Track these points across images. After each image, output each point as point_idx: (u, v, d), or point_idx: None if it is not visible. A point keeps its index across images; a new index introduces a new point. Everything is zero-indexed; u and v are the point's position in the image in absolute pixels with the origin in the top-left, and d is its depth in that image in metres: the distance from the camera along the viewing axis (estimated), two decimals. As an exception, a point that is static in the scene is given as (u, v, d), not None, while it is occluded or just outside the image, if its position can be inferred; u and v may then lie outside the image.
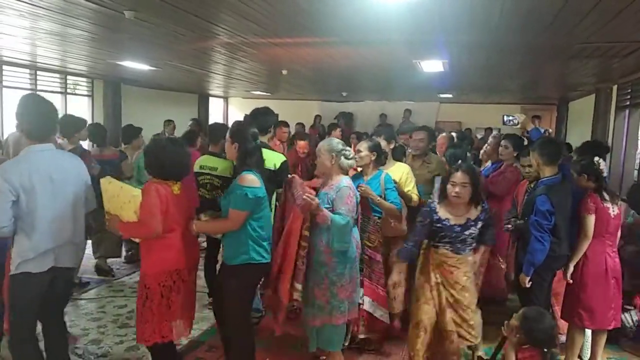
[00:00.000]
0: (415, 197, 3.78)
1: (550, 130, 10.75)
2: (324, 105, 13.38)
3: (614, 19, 3.53)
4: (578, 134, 9.00)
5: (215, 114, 13.52)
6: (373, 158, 3.68)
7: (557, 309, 3.53)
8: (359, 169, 3.79)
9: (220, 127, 4.34)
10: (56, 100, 8.63)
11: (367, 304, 3.50)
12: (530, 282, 3.20)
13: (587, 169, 3.23)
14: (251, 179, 2.80)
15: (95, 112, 9.21)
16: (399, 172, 3.83)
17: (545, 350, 2.65)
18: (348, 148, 3.12)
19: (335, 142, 3.13)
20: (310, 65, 6.51)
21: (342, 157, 3.04)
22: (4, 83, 7.49)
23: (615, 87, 6.94)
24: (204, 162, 3.96)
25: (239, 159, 2.94)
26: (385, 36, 4.43)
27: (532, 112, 11.49)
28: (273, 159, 3.60)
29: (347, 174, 3.15)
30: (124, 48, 5.74)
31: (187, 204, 2.90)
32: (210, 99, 13.27)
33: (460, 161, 3.59)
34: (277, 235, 3.08)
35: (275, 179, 3.41)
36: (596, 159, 3.26)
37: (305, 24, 4.10)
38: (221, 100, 14.24)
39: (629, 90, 6.50)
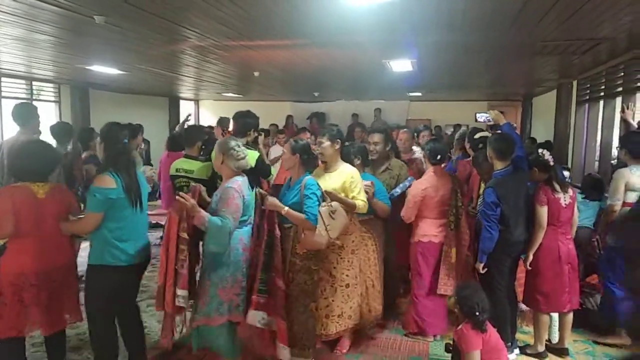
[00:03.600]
0: (360, 203, 3.35)
1: (515, 125, 11.12)
2: (296, 105, 13.44)
3: (571, 18, 3.71)
4: (542, 128, 9.32)
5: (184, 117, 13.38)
6: (337, 147, 3.45)
7: (520, 292, 3.74)
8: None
9: (196, 130, 4.37)
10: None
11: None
12: (487, 269, 3.40)
13: (535, 163, 3.52)
14: (103, 180, 2.80)
15: (62, 118, 9.01)
16: (342, 176, 3.40)
17: (480, 318, 2.79)
18: (239, 148, 3.04)
19: (227, 141, 3.08)
20: (282, 66, 6.56)
21: (232, 157, 3.00)
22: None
23: (575, 83, 7.23)
24: (179, 164, 3.98)
25: (104, 159, 3.00)
26: (354, 37, 4.52)
27: (498, 108, 11.79)
28: (252, 158, 3.66)
29: (239, 174, 3.06)
30: (92, 52, 5.67)
31: (55, 207, 2.87)
32: (181, 101, 13.15)
33: (440, 157, 3.69)
34: (255, 232, 3.12)
35: (254, 177, 3.48)
36: (540, 150, 3.51)
37: (276, 27, 4.16)
38: (192, 103, 14.12)
39: (588, 85, 6.79)
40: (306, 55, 5.67)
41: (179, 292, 2.87)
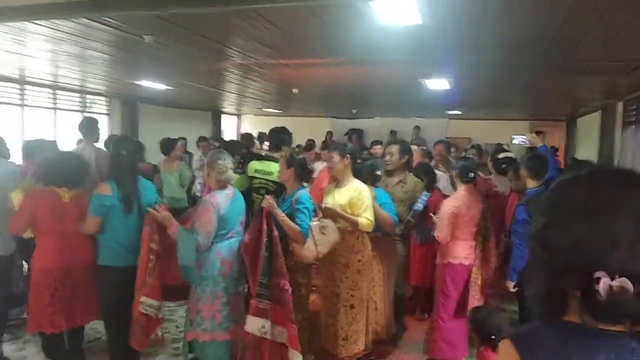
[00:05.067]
0: (364, 221, 3.26)
1: (557, 146, 10.81)
2: (334, 122, 13.59)
3: (613, 39, 3.65)
4: (586, 150, 9.04)
5: (228, 131, 13.80)
6: (347, 163, 3.41)
7: None
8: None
9: (234, 144, 4.57)
10: (76, 119, 8.96)
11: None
12: (518, 288, 3.37)
13: None
14: (101, 188, 3.06)
15: (112, 130, 9.49)
16: (350, 192, 3.34)
17: (497, 341, 2.74)
18: (223, 162, 3.10)
19: (213, 155, 3.16)
20: (319, 83, 6.71)
21: (216, 170, 3.08)
22: (26, 102, 7.82)
23: (621, 104, 7.01)
24: (259, 166, 4.07)
25: (109, 169, 3.24)
26: (388, 56, 4.59)
27: (541, 127, 11.57)
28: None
29: (224, 187, 3.13)
30: (141, 69, 6.00)
31: (77, 210, 3.14)
32: (223, 116, 13.56)
33: (472, 174, 3.67)
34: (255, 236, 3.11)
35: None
36: None
37: (314, 46, 4.30)
38: (234, 117, 14.52)
39: (635, 107, 6.57)
40: (342, 73, 5.79)
41: (143, 299, 2.98)
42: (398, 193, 3.94)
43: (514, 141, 4.64)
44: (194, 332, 3.04)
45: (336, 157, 3.41)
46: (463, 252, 3.61)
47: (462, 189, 3.67)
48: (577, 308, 0.86)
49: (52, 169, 3.20)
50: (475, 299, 3.54)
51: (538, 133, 11.20)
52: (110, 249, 3.09)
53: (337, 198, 3.35)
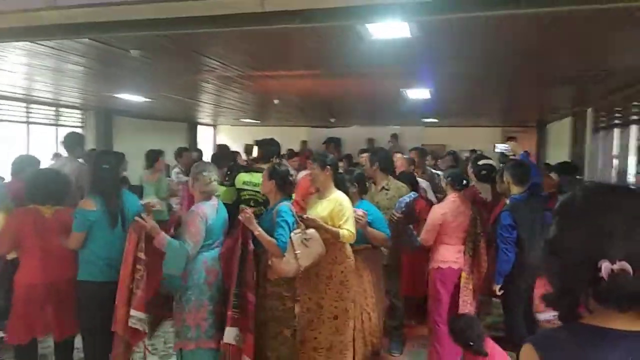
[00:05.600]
0: (345, 232, 3.22)
1: (529, 151, 11.17)
2: (312, 131, 13.65)
3: (584, 52, 3.85)
4: (557, 155, 9.36)
5: (204, 142, 13.69)
6: (327, 174, 3.40)
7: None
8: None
9: (222, 156, 4.56)
10: (49, 132, 8.75)
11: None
12: (504, 292, 3.49)
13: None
14: (85, 203, 3.08)
15: (87, 143, 9.29)
16: (331, 203, 3.32)
17: (475, 347, 2.87)
18: (208, 173, 3.11)
19: (197, 166, 3.18)
20: (302, 94, 6.77)
21: (200, 182, 3.09)
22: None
23: (589, 110, 7.31)
24: (247, 178, 4.08)
25: (90, 183, 3.22)
26: (375, 68, 4.70)
27: (513, 134, 11.93)
28: None
29: (208, 198, 3.13)
30: (121, 82, 5.93)
31: (59, 226, 3.16)
32: (199, 127, 13.45)
33: (465, 182, 3.76)
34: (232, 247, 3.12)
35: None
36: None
37: (301, 59, 4.36)
38: (210, 128, 14.42)
39: (604, 113, 6.88)
40: (326, 84, 5.87)
41: (133, 312, 2.89)
42: (382, 200, 3.96)
43: (497, 149, 4.92)
44: (180, 342, 3.05)
45: (317, 168, 3.38)
46: (452, 256, 3.71)
47: (451, 197, 3.77)
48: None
49: (33, 186, 3.22)
50: (467, 304, 3.63)
51: (510, 139, 11.61)
52: (91, 264, 3.07)
53: (319, 210, 3.35)
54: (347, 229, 3.24)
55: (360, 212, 3.40)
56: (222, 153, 4.82)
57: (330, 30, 3.35)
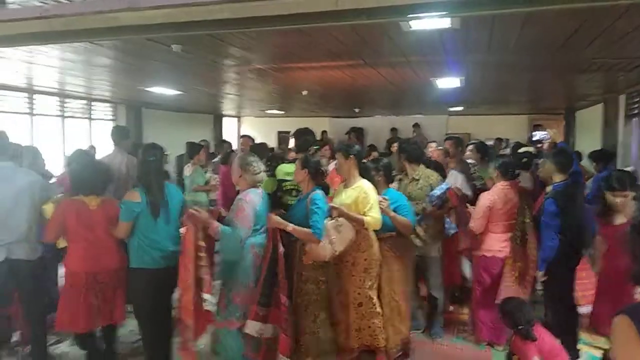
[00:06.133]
0: (369, 219, 3.30)
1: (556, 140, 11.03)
2: (333, 121, 13.69)
3: (620, 40, 3.82)
4: (586, 143, 9.25)
5: (228, 133, 13.87)
6: (352, 163, 3.49)
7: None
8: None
9: (261, 147, 4.68)
10: (83, 125, 9.00)
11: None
12: (547, 279, 3.51)
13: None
14: (131, 195, 3.21)
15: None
16: (356, 191, 3.41)
17: (524, 330, 2.97)
18: (256, 164, 3.25)
19: (246, 157, 3.30)
20: (331, 85, 6.82)
21: (249, 172, 3.22)
22: (35, 111, 7.85)
23: (623, 97, 7.21)
24: (289, 169, 4.16)
25: (137, 175, 3.36)
26: (410, 58, 4.73)
27: (539, 121, 11.80)
28: None
29: (255, 187, 3.25)
30: (156, 76, 6.07)
31: (104, 217, 3.29)
32: (224, 118, 13.63)
33: (515, 172, 3.77)
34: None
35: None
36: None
37: (336, 51, 4.40)
38: (234, 119, 14.58)
39: (638, 99, 6.78)
40: (357, 75, 5.90)
41: (206, 296, 3.06)
42: (414, 191, 3.99)
43: (535, 137, 4.96)
44: (225, 321, 3.17)
45: (341, 158, 3.48)
46: (497, 245, 3.75)
47: (500, 184, 3.81)
48: None
49: (78, 178, 3.38)
50: (510, 290, 3.69)
51: (537, 126, 11.49)
52: (142, 251, 3.20)
53: (344, 198, 3.43)
54: (372, 216, 3.31)
55: (381, 198, 3.47)
56: (261, 144, 4.94)
57: (372, 24, 3.41)
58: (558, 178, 3.58)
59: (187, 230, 3.10)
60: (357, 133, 13.19)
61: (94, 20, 1.99)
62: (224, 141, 6.99)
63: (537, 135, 4.76)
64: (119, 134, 4.76)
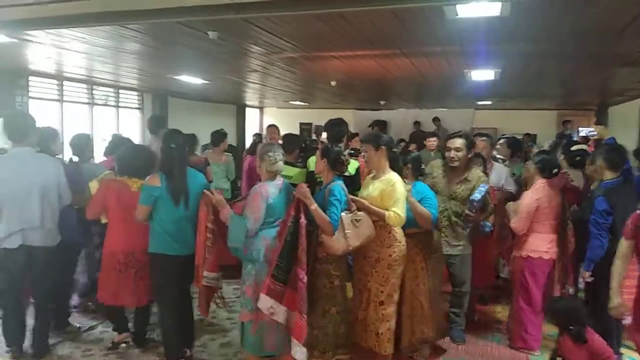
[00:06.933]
0: (390, 214, 3.13)
1: (587, 136, 10.75)
2: (357, 113, 13.54)
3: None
4: (621, 140, 8.95)
5: (250, 124, 13.87)
6: (381, 154, 3.32)
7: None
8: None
9: (295, 138, 4.58)
10: (110, 113, 9.05)
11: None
12: (594, 277, 3.35)
13: None
14: (152, 179, 3.22)
15: (144, 124, 9.58)
16: (382, 184, 3.24)
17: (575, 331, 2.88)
18: (274, 154, 3.16)
19: (265, 147, 3.25)
20: (361, 76, 6.71)
21: (266, 162, 3.16)
22: (64, 97, 7.91)
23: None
24: None
25: (160, 162, 3.39)
26: (446, 48, 4.60)
27: (569, 117, 11.49)
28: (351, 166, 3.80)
29: (275, 178, 3.20)
30: (186, 64, 6.03)
31: None
32: (247, 109, 13.62)
33: (555, 171, 3.61)
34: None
35: (352, 184, 3.64)
36: None
37: (373, 38, 4.29)
38: (256, 110, 14.56)
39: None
40: (390, 65, 5.78)
41: (206, 273, 3.20)
42: (461, 191, 3.71)
43: (581, 133, 4.82)
44: (241, 313, 3.22)
45: (371, 149, 3.31)
46: (543, 245, 3.58)
47: (540, 182, 3.65)
48: None
49: (124, 160, 3.51)
50: (558, 292, 3.56)
51: (566, 122, 11.20)
52: (160, 237, 3.22)
53: (371, 190, 3.29)
54: (394, 211, 3.13)
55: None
56: (292, 135, 4.86)
57: (411, 10, 3.29)
58: (609, 175, 3.43)
59: (202, 211, 3.20)
60: (381, 126, 13.15)
61: (128, 2, 1.90)
62: (257, 134, 6.95)
63: (583, 131, 4.59)
64: (156, 123, 4.82)
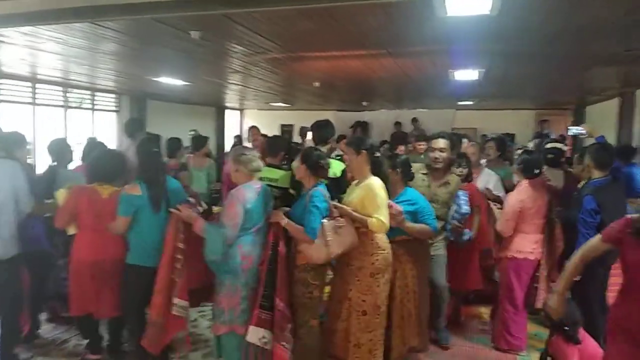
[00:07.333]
0: (373, 221, 2.97)
1: (565, 134, 10.93)
2: (338, 114, 13.49)
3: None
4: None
5: (231, 126, 13.68)
6: (362, 158, 3.15)
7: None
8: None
9: (280, 140, 4.48)
10: (85, 116, 8.79)
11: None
12: (580, 278, 3.33)
13: None
14: (132, 188, 3.09)
15: (121, 127, 9.34)
16: (363, 189, 3.08)
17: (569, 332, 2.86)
18: (247, 153, 3.10)
19: (236, 150, 3.17)
20: (346, 77, 6.65)
21: (244, 162, 3.04)
22: (37, 100, 7.63)
23: (639, 92, 7.09)
24: (263, 173, 4.06)
25: (137, 169, 3.25)
26: (432, 47, 4.56)
27: (546, 117, 11.66)
28: (334, 167, 3.67)
29: (252, 181, 3.08)
30: (166, 65, 5.87)
31: (114, 207, 3.14)
32: (226, 111, 13.44)
33: (537, 170, 3.62)
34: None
35: (337, 186, 3.51)
36: None
37: (359, 37, 4.21)
38: (237, 112, 14.38)
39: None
40: (375, 65, 5.73)
41: (176, 300, 2.94)
42: (442, 194, 3.66)
43: (570, 132, 4.87)
44: (214, 325, 3.07)
45: (352, 154, 3.15)
46: (528, 246, 3.58)
47: (525, 183, 3.64)
48: None
49: (94, 166, 3.34)
50: (543, 291, 3.55)
51: (543, 122, 11.37)
52: (141, 248, 3.11)
53: (353, 196, 3.14)
54: (377, 218, 2.97)
55: (399, 208, 3.14)
56: (278, 137, 4.77)
57: (400, 6, 3.24)
58: (598, 174, 3.44)
59: (170, 230, 3.00)
60: (362, 127, 13.14)
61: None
62: (237, 136, 6.82)
63: (572, 130, 4.60)
64: (133, 126, 4.64)
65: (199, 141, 5.73)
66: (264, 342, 2.92)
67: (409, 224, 3.19)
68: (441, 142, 3.67)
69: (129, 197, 3.06)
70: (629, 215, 2.22)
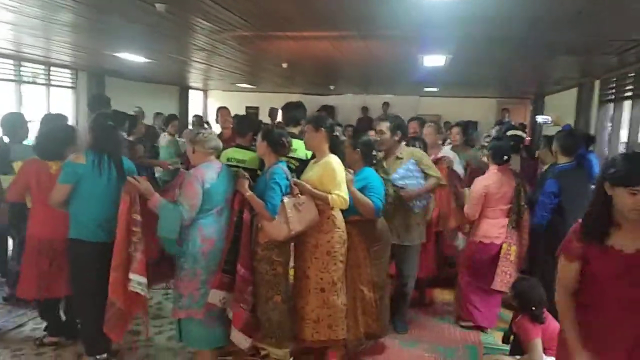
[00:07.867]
0: (334, 197, 3.03)
1: (525, 123, 11.30)
2: (305, 97, 13.38)
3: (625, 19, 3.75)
4: (556, 127, 9.43)
5: (194, 107, 13.35)
6: (321, 136, 3.20)
7: None
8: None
9: (248, 121, 4.37)
10: (40, 91, 8.34)
11: None
12: (544, 261, 3.47)
13: None
14: (76, 157, 2.99)
15: (79, 103, 8.92)
16: (322, 167, 3.14)
17: (536, 312, 2.95)
18: (204, 131, 3.07)
19: (191, 131, 3.19)
20: (315, 58, 6.57)
21: (201, 142, 2.99)
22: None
23: (598, 82, 7.33)
24: (231, 154, 3.96)
25: (89, 142, 3.13)
26: (404, 31, 4.53)
27: (507, 105, 11.99)
28: (304, 149, 3.64)
29: (212, 160, 3.04)
30: (129, 40, 5.61)
31: None
32: (190, 91, 13.08)
33: (506, 157, 3.71)
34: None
35: (305, 168, 3.46)
36: None
37: (330, 15, 4.11)
38: (200, 92, 14.04)
39: (612, 86, 6.91)
40: (345, 47, 5.67)
41: (132, 276, 2.74)
42: (393, 171, 3.72)
43: (538, 120, 5.08)
44: (174, 310, 3.01)
45: (310, 130, 3.19)
46: (495, 231, 3.69)
47: (493, 169, 3.72)
48: None
49: (42, 142, 3.31)
50: (506, 274, 3.64)
51: (504, 110, 11.69)
52: (80, 223, 2.96)
53: (311, 174, 3.19)
54: (337, 194, 3.04)
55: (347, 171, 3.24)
56: (247, 116, 4.67)
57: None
58: (563, 160, 3.56)
59: (123, 202, 2.80)
60: (328, 111, 13.12)
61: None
62: (174, 116, 6.65)
63: (539, 118, 4.75)
64: (98, 102, 4.40)
65: (167, 118, 5.58)
66: (223, 302, 2.93)
67: (354, 189, 3.20)
68: (382, 125, 3.80)
69: (72, 165, 2.93)
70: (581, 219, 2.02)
